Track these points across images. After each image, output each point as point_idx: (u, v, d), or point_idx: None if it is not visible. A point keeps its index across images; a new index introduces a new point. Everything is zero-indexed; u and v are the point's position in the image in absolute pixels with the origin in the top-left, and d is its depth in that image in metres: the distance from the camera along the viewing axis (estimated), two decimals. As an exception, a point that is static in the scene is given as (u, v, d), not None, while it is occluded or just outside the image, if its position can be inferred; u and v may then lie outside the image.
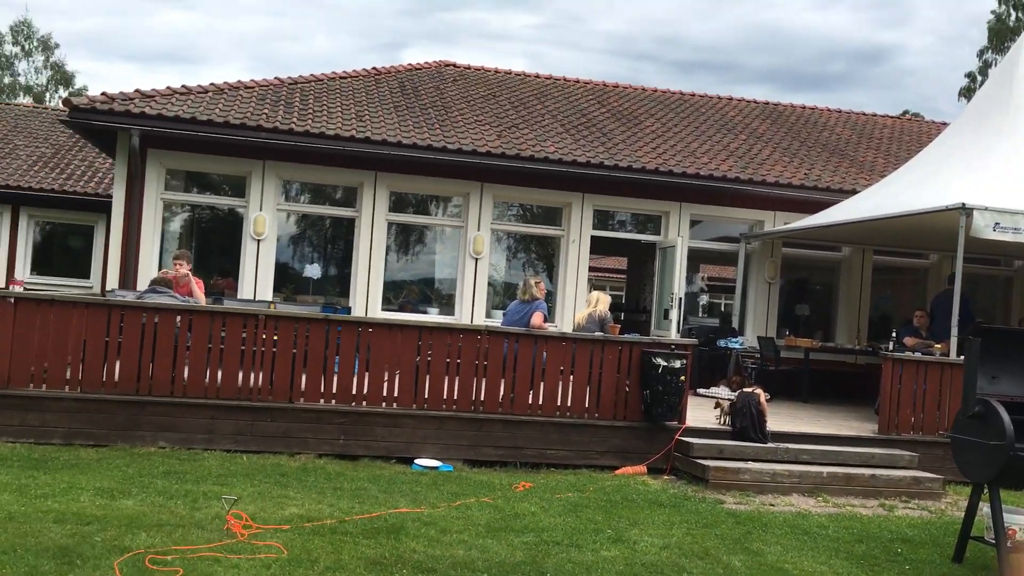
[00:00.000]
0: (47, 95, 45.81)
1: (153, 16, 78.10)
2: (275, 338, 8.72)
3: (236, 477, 7.40)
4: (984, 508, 6.40)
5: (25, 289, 12.89)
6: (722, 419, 9.58)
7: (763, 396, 9.41)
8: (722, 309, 30.33)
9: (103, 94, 12.48)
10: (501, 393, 9.05)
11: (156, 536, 5.49)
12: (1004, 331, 9.36)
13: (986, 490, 6.30)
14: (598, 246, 14.51)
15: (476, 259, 13.68)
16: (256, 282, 13.12)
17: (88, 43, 71.13)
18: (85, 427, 8.27)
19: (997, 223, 9.54)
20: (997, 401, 6.20)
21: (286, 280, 13.84)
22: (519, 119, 15.11)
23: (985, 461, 6.18)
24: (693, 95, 18.84)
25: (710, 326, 16.33)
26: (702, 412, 10.28)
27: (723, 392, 12.41)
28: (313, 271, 13.99)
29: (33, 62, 46.04)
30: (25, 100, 42.35)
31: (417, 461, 8.63)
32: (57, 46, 46.75)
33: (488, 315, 13.82)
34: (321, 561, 5.26)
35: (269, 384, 8.66)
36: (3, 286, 18.10)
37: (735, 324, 14.34)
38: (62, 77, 46.50)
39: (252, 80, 14.55)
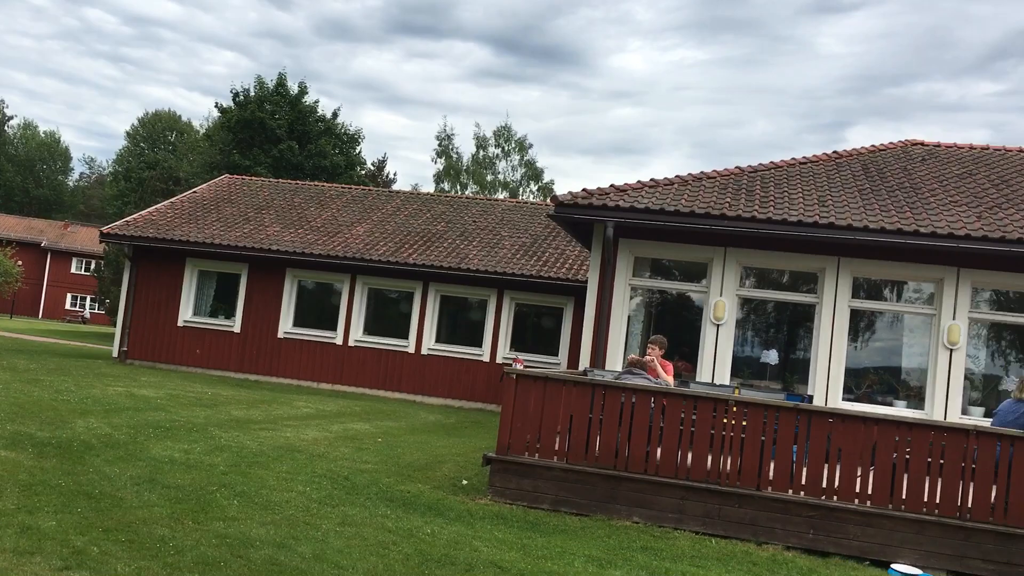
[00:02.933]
0: (520, 189, 51.57)
1: (606, 113, 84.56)
2: (743, 423, 8.83)
3: (709, 560, 7.55)
4: None
5: (525, 367, 14.47)
6: None
7: None
8: None
9: (584, 190, 13.79)
10: (993, 501, 8.20)
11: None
12: None
13: None
14: None
15: (951, 350, 12.65)
16: (714, 365, 13.41)
17: (550, 140, 79.03)
18: (569, 496, 9.02)
19: None
20: None
21: (742, 365, 13.96)
22: (1001, 198, 13.83)
23: None
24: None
25: None
26: None
27: None
28: (771, 357, 13.94)
29: (511, 161, 52.24)
30: (503, 195, 48.11)
31: (894, 566, 8.10)
32: (531, 146, 52.72)
33: (964, 411, 12.67)
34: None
35: (737, 470, 8.76)
36: (501, 361, 20.56)
37: None
38: (533, 173, 52.11)
39: (714, 171, 15.11)
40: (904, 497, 8.41)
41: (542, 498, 9.06)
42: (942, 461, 8.38)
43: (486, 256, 21.35)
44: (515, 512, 8.67)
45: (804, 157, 16.06)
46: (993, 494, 8.23)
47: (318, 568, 5.85)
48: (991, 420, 9.22)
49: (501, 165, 52.20)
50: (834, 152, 16.35)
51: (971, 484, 8.27)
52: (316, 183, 29.63)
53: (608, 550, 7.44)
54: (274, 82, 42.32)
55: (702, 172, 15.00)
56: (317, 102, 43.40)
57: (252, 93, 41.72)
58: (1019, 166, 15.68)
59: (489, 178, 51.72)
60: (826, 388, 13.01)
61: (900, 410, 12.55)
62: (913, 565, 8.13)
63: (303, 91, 42.76)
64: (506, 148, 51.92)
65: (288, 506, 7.58)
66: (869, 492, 8.49)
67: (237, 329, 22.20)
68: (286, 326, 21.98)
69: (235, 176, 29.12)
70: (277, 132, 40.38)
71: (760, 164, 15.57)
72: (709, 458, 8.83)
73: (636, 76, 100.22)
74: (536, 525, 8.18)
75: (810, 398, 12.62)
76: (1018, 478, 8.18)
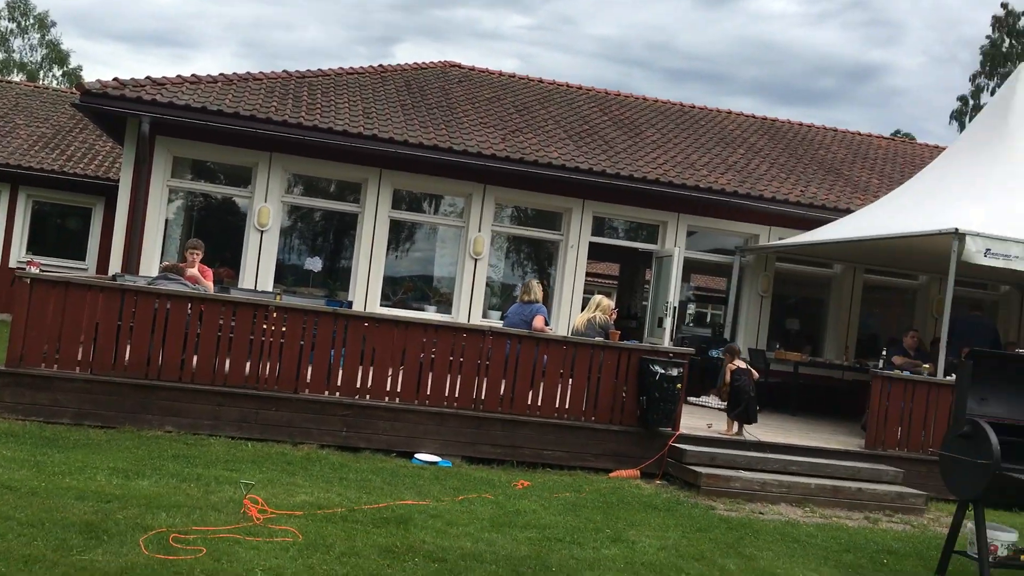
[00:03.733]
0: (41, 73, 45.66)
1: (149, -3, 77.79)
2: (283, 329, 8.90)
3: (244, 463, 7.57)
4: (968, 524, 6.66)
5: (42, 271, 12.96)
6: (720, 397, 10.29)
7: (754, 373, 10.13)
8: (708, 319, 30.67)
9: (116, 80, 12.60)
10: (502, 393, 9.27)
11: (176, 516, 5.66)
12: (994, 355, 9.65)
13: (971, 507, 6.57)
14: (592, 252, 14.75)
15: (476, 259, 13.88)
16: (257, 272, 13.27)
17: (79, 21, 70.84)
18: (94, 408, 8.42)
19: (988, 249, 9.83)
20: (986, 422, 6.46)
21: (287, 272, 14.00)
22: (523, 123, 15.32)
23: (972, 479, 6.44)
24: (693, 107, 19.12)
25: (702, 336, 16.62)
26: (694, 420, 10.54)
27: (713, 401, 12.69)
28: (315, 264, 14.15)
29: (28, 39, 45.88)
30: (19, 78, 42.18)
31: (417, 456, 8.83)
32: (54, 24, 46.68)
33: (485, 315, 14.04)
34: (336, 547, 5.45)
35: (276, 375, 8.84)
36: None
37: (726, 335, 14.61)
38: (57, 56, 46.34)
39: (262, 72, 14.70)
40: (428, 393, 9.14)
41: (62, 412, 8.35)
42: (462, 359, 9.24)
43: (-3, 146, 18.68)
44: (30, 428, 7.90)
45: (352, 68, 16.28)
46: (502, 387, 9.28)
47: None
48: (501, 322, 10.33)
49: (17, 43, 45.64)
50: (380, 66, 16.79)
51: (484, 379, 9.24)
52: None
53: (136, 461, 7.11)
54: None
55: (248, 72, 14.52)
56: None
57: None
58: (539, 95, 17.46)
59: (2, 56, 45.00)
60: (366, 294, 13.56)
61: (429, 314, 13.53)
62: (433, 453, 8.92)
63: None
64: (23, 24, 45.42)
65: None
66: (398, 390, 9.10)
67: None
68: None
69: None
70: None
71: (308, 70, 15.49)
72: (248, 364, 8.78)
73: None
74: (54, 441, 7.54)
75: (350, 304, 13.08)
76: (522, 372, 9.30)
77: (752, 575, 6.07)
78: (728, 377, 10.04)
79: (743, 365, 10.19)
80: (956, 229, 9.84)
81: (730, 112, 19.30)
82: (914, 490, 9.32)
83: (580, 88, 18.69)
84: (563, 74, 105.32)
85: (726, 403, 10.26)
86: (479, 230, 13.91)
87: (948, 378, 10.13)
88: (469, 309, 13.88)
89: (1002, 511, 9.28)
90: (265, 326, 8.88)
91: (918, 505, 9.12)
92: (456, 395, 9.20)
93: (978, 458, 6.35)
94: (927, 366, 11.39)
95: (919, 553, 7.28)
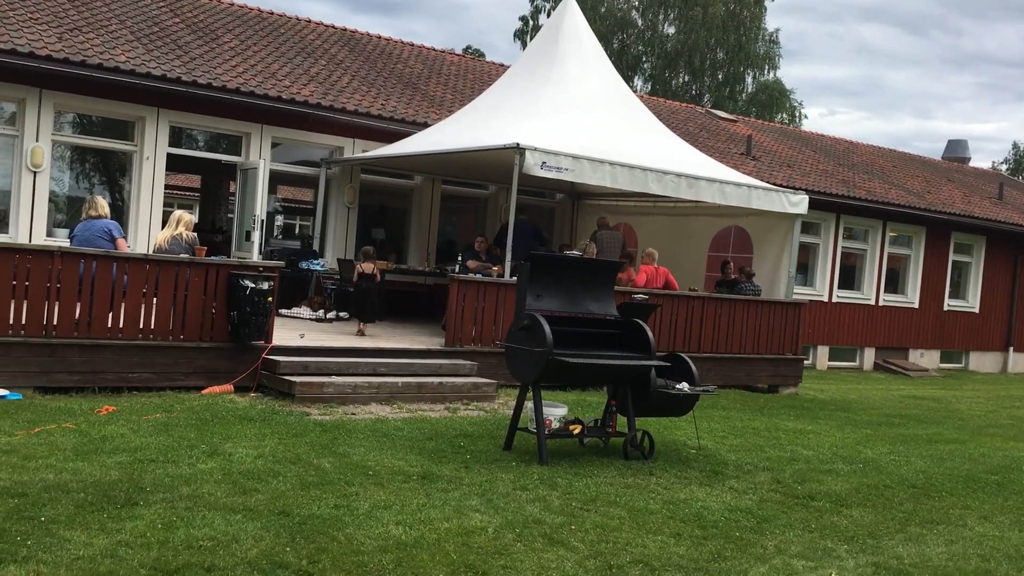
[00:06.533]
0: None
1: None
2: None
3: None
4: (529, 404, 7.67)
5: None
6: (312, 308, 10.91)
7: (377, 276, 11.49)
8: (297, 231, 30.69)
9: None
10: (77, 317, 8.65)
11: None
12: (548, 256, 10.97)
13: (531, 389, 7.56)
14: (171, 163, 14.03)
15: (35, 172, 12.54)
16: None
17: None
18: None
19: (544, 162, 11.04)
20: (541, 315, 7.43)
21: None
22: (82, 21, 13.91)
23: (531, 365, 7.40)
24: (272, 13, 18.66)
25: (292, 248, 16.69)
26: (286, 331, 10.71)
27: (305, 312, 12.95)
28: None
29: None
30: None
31: (-19, 391, 8.00)
32: None
33: (50, 233, 12.81)
34: None
35: None
36: None
37: (315, 247, 14.85)
38: None
39: None
40: (-11, 322, 8.26)
41: None
42: (28, 283, 8.44)
43: None
44: None
45: None
46: (77, 311, 8.66)
47: None
48: (71, 240, 9.55)
49: None
50: None
51: (56, 303, 8.55)
52: None
53: None
54: None
55: None
56: None
57: None
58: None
59: None
60: None
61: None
62: (2, 387, 8.14)
63: None
64: None
65: None
66: (-50, 321, 8.11)
67: None
68: None
69: None
70: None
71: None
72: None
73: None
74: None
75: None
76: (100, 294, 8.74)
77: (346, 470, 6.47)
78: (355, 278, 11.31)
79: (369, 269, 11.28)
80: (518, 144, 10.89)
81: (310, 21, 19.15)
82: (487, 380, 10.41)
83: (149, -15, 17.30)
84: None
85: (324, 309, 10.95)
86: (36, 139, 12.53)
87: (514, 278, 11.33)
88: (30, 227, 12.56)
89: (557, 391, 10.74)
90: None
91: (490, 393, 10.22)
92: (23, 322, 8.41)
93: (535, 347, 7.30)
94: (496, 268, 12.59)
95: (491, 434, 8.23)
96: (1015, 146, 59.40)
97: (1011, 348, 23.83)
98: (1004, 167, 54.61)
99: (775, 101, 42.71)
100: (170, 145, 13.65)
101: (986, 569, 5.51)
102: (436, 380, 10.04)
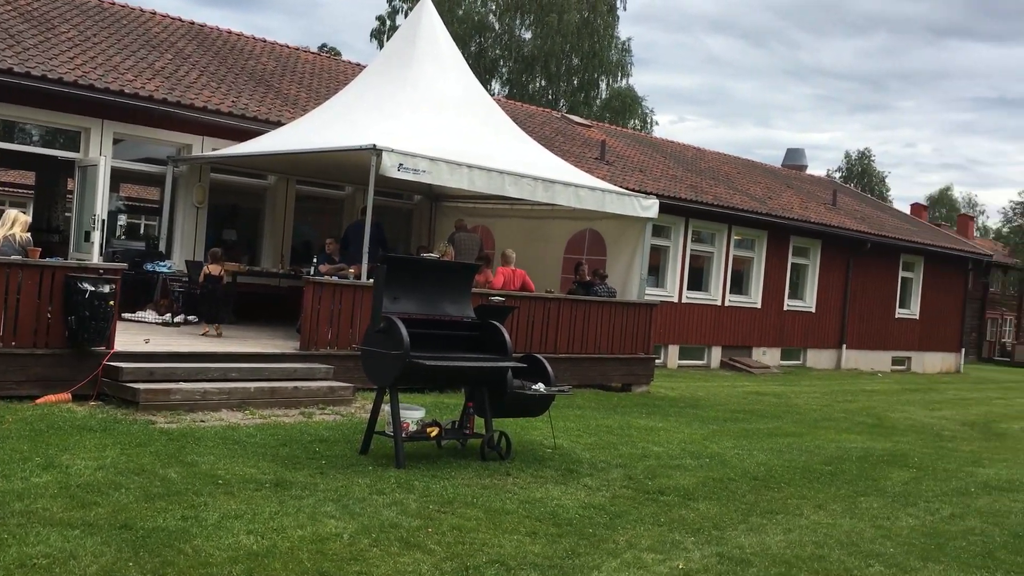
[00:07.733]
0: None
1: None
2: None
3: None
4: (386, 407, 7.61)
5: None
6: (158, 311, 10.68)
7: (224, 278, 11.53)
8: (142, 231, 29.37)
9: None
10: None
11: None
12: (405, 259, 10.93)
13: (388, 392, 7.51)
14: (3, 159, 13.18)
15: None
16: None
17: None
18: None
19: (401, 164, 10.98)
20: (398, 318, 7.39)
21: None
22: (-99, 4, 12.89)
23: (388, 368, 7.35)
24: (113, 4, 17.78)
25: (136, 249, 15.96)
26: (130, 336, 10.24)
27: (150, 316, 12.41)
28: None
29: None
30: None
31: None
32: None
33: None
34: None
35: None
36: None
37: (162, 248, 14.26)
38: None
39: None
40: None
41: None
42: None
43: None
44: None
45: None
46: None
47: None
48: None
49: None
50: None
51: None
52: None
53: None
54: None
55: None
56: None
57: None
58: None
59: None
60: None
61: None
62: None
63: None
64: None
65: None
66: None
67: None
68: None
69: None
70: None
71: None
72: None
73: None
74: None
75: None
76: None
77: (194, 479, 6.24)
78: (201, 279, 11.34)
79: (216, 271, 11.26)
80: (375, 145, 10.79)
81: (155, 13, 18.37)
82: (344, 383, 10.26)
83: (-24, -32, 16.19)
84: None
85: (171, 313, 10.60)
86: None
87: (371, 280, 11.21)
88: None
89: (415, 394, 10.70)
90: None
91: (347, 397, 10.07)
92: None
93: (392, 350, 7.26)
94: (352, 270, 12.43)
95: (347, 438, 8.12)
96: (847, 155, 63.34)
97: (844, 345, 25.37)
98: (838, 175, 58.20)
99: (628, 107, 43.97)
100: (1, 140, 12.82)
101: (820, 555, 5.85)
102: (291, 384, 9.82)
